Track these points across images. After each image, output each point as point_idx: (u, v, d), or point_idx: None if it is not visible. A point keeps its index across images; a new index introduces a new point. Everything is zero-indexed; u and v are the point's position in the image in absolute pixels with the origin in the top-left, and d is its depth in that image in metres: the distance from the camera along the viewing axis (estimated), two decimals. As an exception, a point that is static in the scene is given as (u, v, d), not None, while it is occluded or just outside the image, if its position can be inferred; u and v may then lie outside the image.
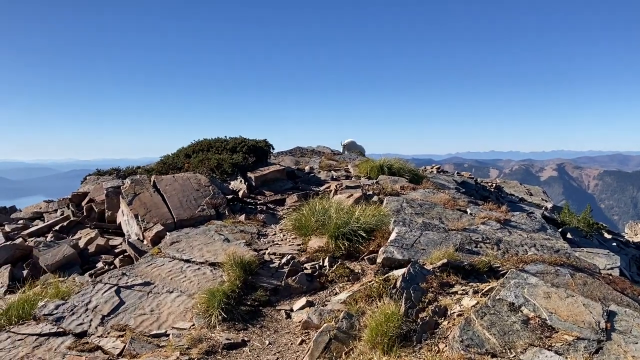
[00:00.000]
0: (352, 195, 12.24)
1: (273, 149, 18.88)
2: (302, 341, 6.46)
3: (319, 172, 17.57)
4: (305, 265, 8.70)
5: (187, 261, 9.19)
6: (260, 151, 17.77)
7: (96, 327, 7.03)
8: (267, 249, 9.89)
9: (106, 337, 6.75)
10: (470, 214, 10.77)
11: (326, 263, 8.64)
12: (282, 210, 12.96)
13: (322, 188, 14.61)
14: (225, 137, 19.38)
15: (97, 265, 10.81)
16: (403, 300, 6.12)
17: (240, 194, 14.15)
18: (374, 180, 14.86)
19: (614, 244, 16.04)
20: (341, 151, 24.72)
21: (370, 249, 8.78)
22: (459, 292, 6.57)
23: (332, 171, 17.52)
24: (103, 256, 11.26)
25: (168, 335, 6.72)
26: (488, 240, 8.80)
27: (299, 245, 9.92)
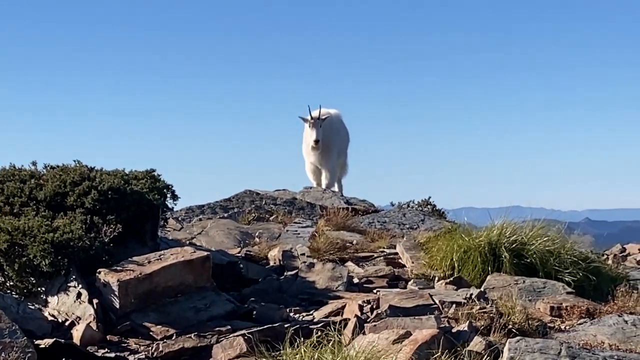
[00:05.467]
0: (407, 335, 4.49)
1: (176, 198, 8.02)
2: None
3: (309, 265, 7.32)
4: None
5: None
6: (137, 206, 7.00)
7: None
8: None
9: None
10: None
11: None
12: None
13: (318, 313, 6.03)
14: (38, 166, 7.67)
15: None
16: None
17: (77, 334, 5.33)
18: (472, 289, 6.15)
19: None
20: (314, 138, 12.05)
21: None
22: None
23: (351, 262, 7.88)
24: None
25: None
26: None
27: None
